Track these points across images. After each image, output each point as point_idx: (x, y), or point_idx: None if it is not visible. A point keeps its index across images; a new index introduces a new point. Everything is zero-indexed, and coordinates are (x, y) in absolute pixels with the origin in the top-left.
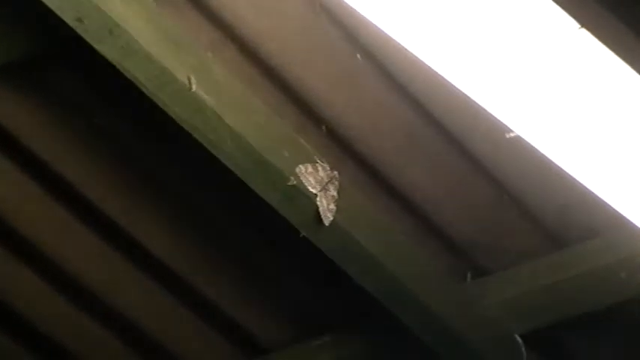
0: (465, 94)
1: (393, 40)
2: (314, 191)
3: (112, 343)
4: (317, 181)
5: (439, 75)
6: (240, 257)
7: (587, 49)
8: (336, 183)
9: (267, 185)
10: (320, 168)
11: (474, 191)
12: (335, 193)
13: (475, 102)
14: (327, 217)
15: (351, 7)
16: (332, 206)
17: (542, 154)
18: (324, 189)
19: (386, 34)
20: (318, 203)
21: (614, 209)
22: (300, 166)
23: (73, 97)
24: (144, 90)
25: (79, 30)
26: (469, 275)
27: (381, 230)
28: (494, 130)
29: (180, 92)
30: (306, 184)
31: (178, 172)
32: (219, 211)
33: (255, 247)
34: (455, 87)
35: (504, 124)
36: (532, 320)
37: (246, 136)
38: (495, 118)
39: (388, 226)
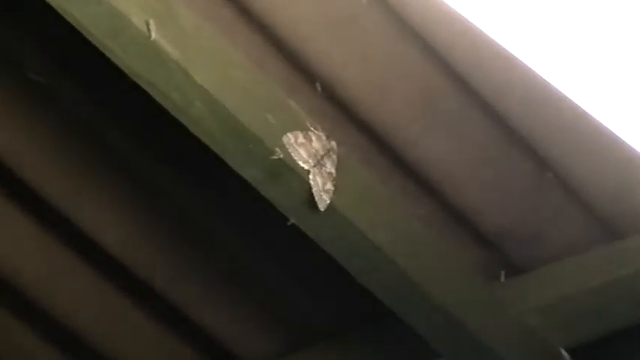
0: (498, 44)
1: None
2: (306, 167)
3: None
4: (310, 154)
5: (464, 20)
6: (213, 253)
7: None
8: (334, 157)
9: (247, 159)
10: (314, 137)
11: (508, 168)
12: (332, 170)
13: (510, 54)
14: (323, 200)
15: None
16: (329, 186)
17: (596, 122)
18: (319, 164)
19: None
20: (312, 182)
21: None
22: (289, 134)
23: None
24: (91, 38)
25: None
26: (502, 273)
27: (391, 217)
28: (534, 90)
29: (136, 41)
30: (295, 157)
31: (135, 143)
32: (187, 196)
33: (230, 239)
34: (485, 35)
35: (547, 83)
36: (581, 330)
37: (220, 96)
38: (536, 74)
39: (399, 212)
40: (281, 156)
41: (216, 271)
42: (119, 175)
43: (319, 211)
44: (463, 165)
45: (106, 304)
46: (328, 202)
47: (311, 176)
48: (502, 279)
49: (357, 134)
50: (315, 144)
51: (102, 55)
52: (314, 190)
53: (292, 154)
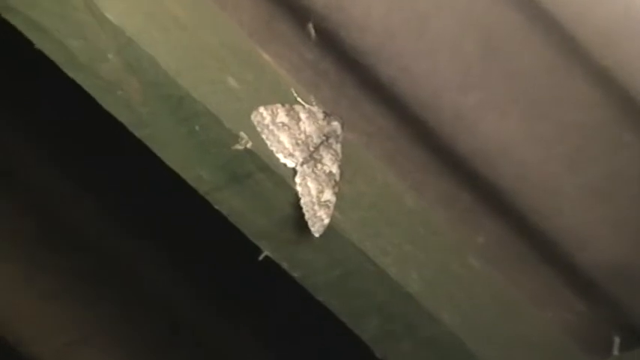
0: None
1: None
2: (289, 163)
3: None
4: (296, 142)
5: None
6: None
7: None
8: (337, 147)
9: (191, 150)
10: (303, 115)
11: (622, 193)
12: (334, 168)
13: None
14: (318, 220)
15: None
16: (327, 195)
17: None
18: (312, 159)
19: None
20: (299, 189)
21: None
22: (261, 110)
23: None
24: None
25: None
26: (616, 341)
27: (434, 255)
28: None
29: None
30: (273, 147)
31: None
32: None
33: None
34: None
35: None
36: None
37: (145, 43)
38: None
39: (449, 247)
40: (248, 145)
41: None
42: None
43: (312, 237)
44: (535, 146)
45: None
46: (326, 222)
47: (298, 179)
48: (615, 350)
49: (377, 110)
50: (306, 126)
51: None
52: (303, 202)
53: (267, 141)
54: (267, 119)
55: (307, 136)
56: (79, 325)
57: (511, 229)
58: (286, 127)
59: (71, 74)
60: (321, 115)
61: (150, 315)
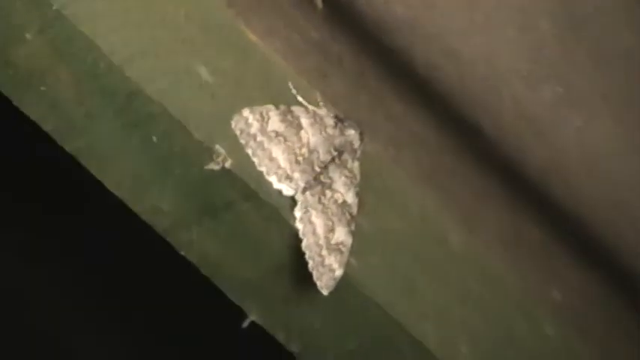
0: None
1: None
2: (288, 190)
3: None
4: (296, 159)
5: None
6: None
7: None
8: (352, 165)
9: (146, 172)
10: (305, 120)
11: None
12: (349, 197)
13: None
14: (327, 272)
15: None
16: (340, 235)
17: None
18: (319, 184)
19: None
20: (299, 227)
21: None
22: (246, 114)
23: None
24: None
25: None
26: None
27: (484, 307)
28: None
29: None
30: (263, 169)
31: None
32: None
33: None
34: None
35: None
36: None
37: (82, 19)
38: None
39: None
40: (227, 164)
41: None
42: None
43: (318, 295)
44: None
45: None
46: (339, 273)
47: (299, 212)
48: None
49: (410, 110)
50: (310, 136)
51: None
52: (306, 244)
53: (254, 158)
54: (255, 126)
55: (311, 151)
56: None
57: (601, 279)
58: (281, 138)
59: None
60: (330, 121)
61: None
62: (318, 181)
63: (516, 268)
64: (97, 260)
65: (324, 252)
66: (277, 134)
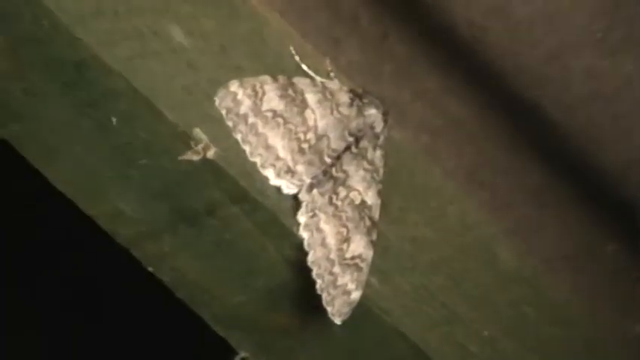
0: None
1: None
2: (289, 186)
3: None
4: (299, 147)
5: None
6: None
7: None
8: (374, 155)
9: (104, 165)
10: (311, 96)
11: None
12: (370, 196)
13: None
14: (340, 295)
15: None
16: (358, 246)
17: None
18: (330, 179)
19: None
20: (306, 239)
21: None
22: (234, 88)
23: None
24: None
25: None
26: None
27: (542, 341)
28: None
29: None
30: (257, 159)
31: None
32: None
33: None
34: None
35: None
36: None
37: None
38: None
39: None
40: (209, 153)
41: None
42: None
43: (328, 324)
44: None
45: None
46: (355, 297)
47: (303, 216)
48: None
49: (448, 86)
50: (317, 116)
51: None
52: (313, 259)
53: (245, 145)
54: (246, 104)
55: (320, 137)
56: None
57: None
58: (280, 120)
59: None
60: (345, 97)
61: None
62: (328, 176)
63: (586, 295)
64: (42, 280)
65: (337, 269)
66: (275, 114)
